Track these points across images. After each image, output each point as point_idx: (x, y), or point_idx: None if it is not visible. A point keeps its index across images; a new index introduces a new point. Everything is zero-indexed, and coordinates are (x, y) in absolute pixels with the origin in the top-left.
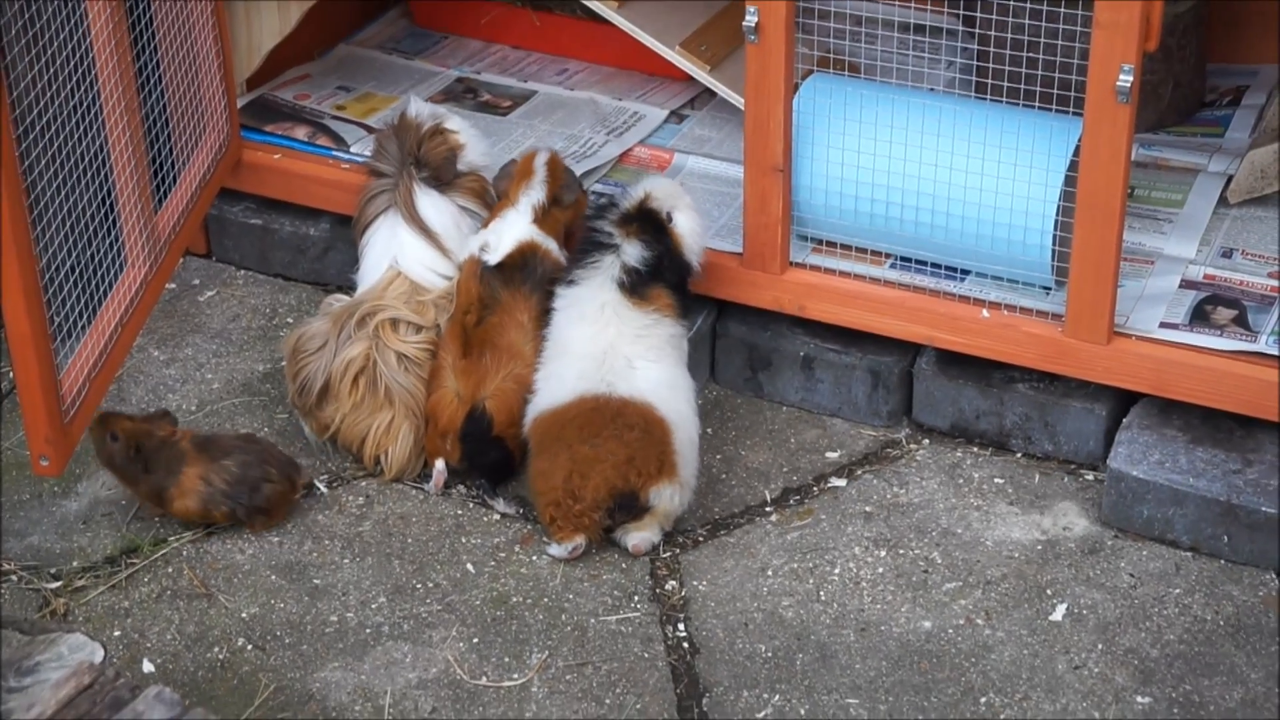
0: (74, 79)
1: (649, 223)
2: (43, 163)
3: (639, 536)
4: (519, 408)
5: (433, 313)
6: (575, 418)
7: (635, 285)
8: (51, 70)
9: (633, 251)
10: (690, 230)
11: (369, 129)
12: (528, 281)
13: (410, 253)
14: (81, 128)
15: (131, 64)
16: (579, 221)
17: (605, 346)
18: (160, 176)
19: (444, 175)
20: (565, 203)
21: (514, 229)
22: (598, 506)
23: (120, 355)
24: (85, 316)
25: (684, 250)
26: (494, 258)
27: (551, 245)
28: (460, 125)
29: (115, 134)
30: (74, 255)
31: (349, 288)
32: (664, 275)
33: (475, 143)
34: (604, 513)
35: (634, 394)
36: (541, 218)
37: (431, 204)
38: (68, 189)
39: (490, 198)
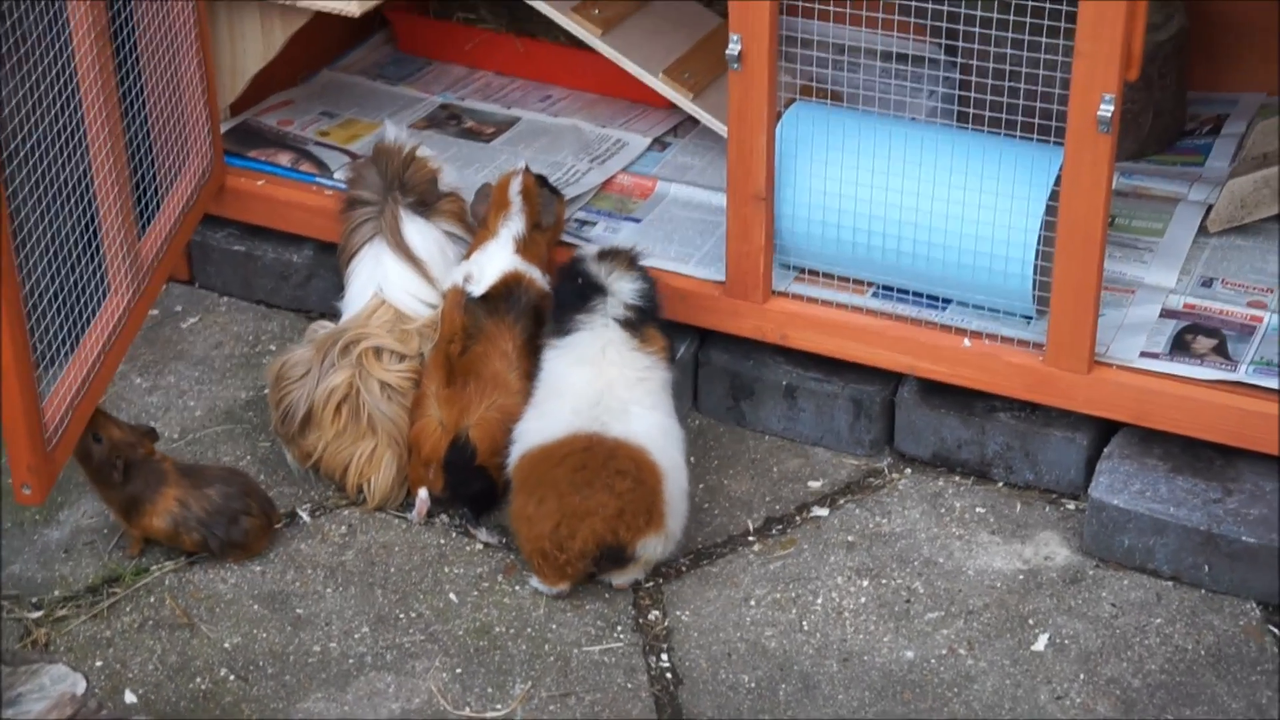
0: (57, 104)
1: (629, 258)
2: (26, 188)
3: (623, 579)
4: (502, 437)
5: (416, 341)
6: (567, 458)
7: (637, 323)
8: (35, 95)
9: (628, 287)
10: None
11: (352, 155)
12: (512, 311)
13: (395, 281)
14: (65, 153)
15: (116, 89)
16: (562, 231)
17: (603, 387)
18: (144, 202)
19: (429, 198)
20: (546, 225)
21: (496, 261)
22: (584, 557)
23: (103, 383)
24: (68, 344)
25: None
26: (478, 289)
27: (535, 273)
28: (427, 152)
29: (99, 160)
30: (57, 282)
31: (332, 314)
32: (655, 311)
33: (447, 166)
34: (589, 562)
35: (628, 436)
36: (524, 247)
37: (417, 230)
38: (51, 215)
39: (469, 219)
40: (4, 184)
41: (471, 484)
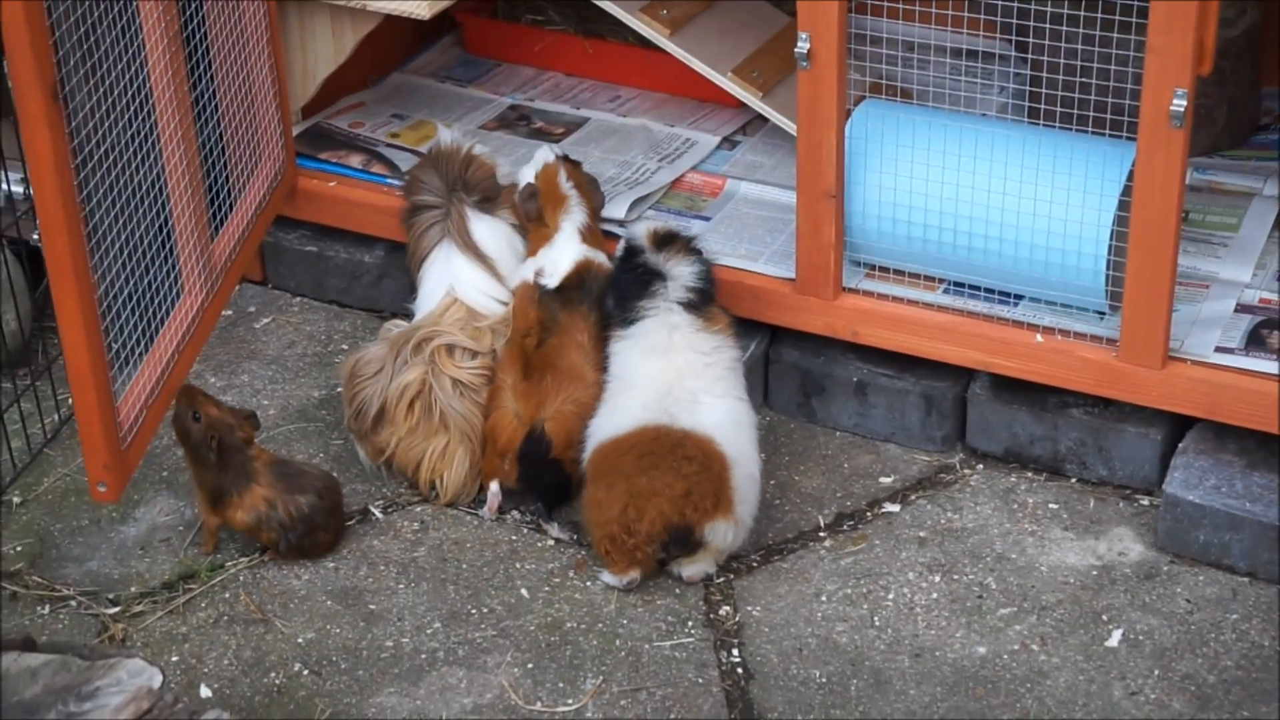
0: (131, 108)
1: (684, 242)
2: (100, 191)
3: (693, 569)
4: (578, 430)
5: (489, 338)
6: (635, 446)
7: (700, 304)
8: (110, 99)
9: (687, 270)
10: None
11: (423, 156)
12: (585, 300)
13: (467, 279)
14: (140, 156)
15: (188, 93)
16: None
17: (672, 378)
18: (217, 204)
19: (491, 194)
20: (599, 206)
21: (568, 252)
22: (652, 540)
23: (177, 381)
24: (143, 344)
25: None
26: (553, 282)
27: (601, 257)
28: (483, 149)
29: (172, 163)
30: (132, 283)
31: (403, 314)
32: (715, 289)
33: (504, 161)
34: (658, 546)
35: (696, 427)
36: (588, 235)
37: (486, 228)
38: (126, 217)
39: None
40: (81, 186)
41: (545, 476)
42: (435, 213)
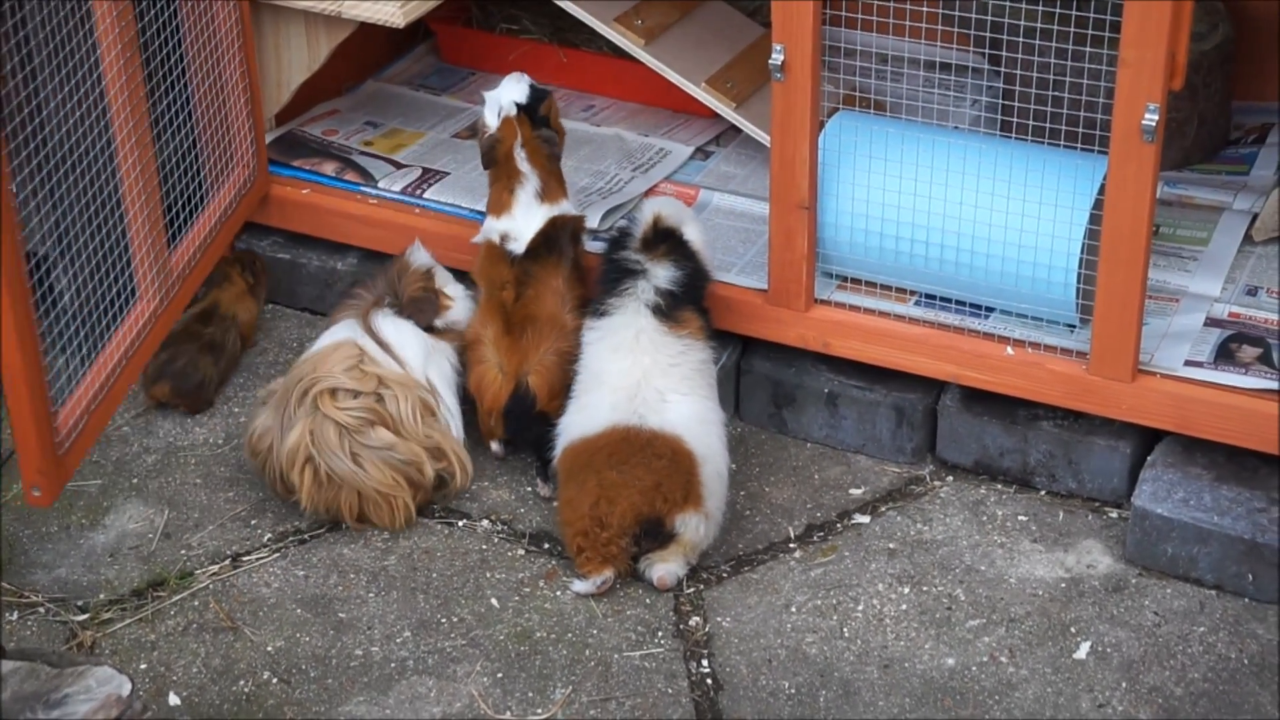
0: (91, 115)
1: (670, 241)
2: (52, 195)
3: (664, 568)
4: (561, 379)
5: (374, 382)
6: (604, 446)
7: (669, 308)
8: (67, 105)
9: (663, 274)
10: (702, 241)
11: (396, 164)
12: (554, 251)
13: (366, 340)
14: (94, 161)
15: (144, 99)
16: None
17: (639, 378)
18: (180, 210)
19: (416, 311)
20: (557, 155)
21: (530, 220)
22: (624, 533)
23: (124, 387)
24: (89, 350)
25: (704, 262)
26: (519, 247)
27: (564, 206)
28: (456, 292)
29: (126, 167)
30: (93, 287)
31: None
32: (692, 294)
33: (461, 305)
34: (630, 539)
35: (664, 426)
36: (546, 193)
37: (392, 325)
38: (77, 222)
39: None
40: (12, 191)
41: (532, 429)
42: (357, 304)
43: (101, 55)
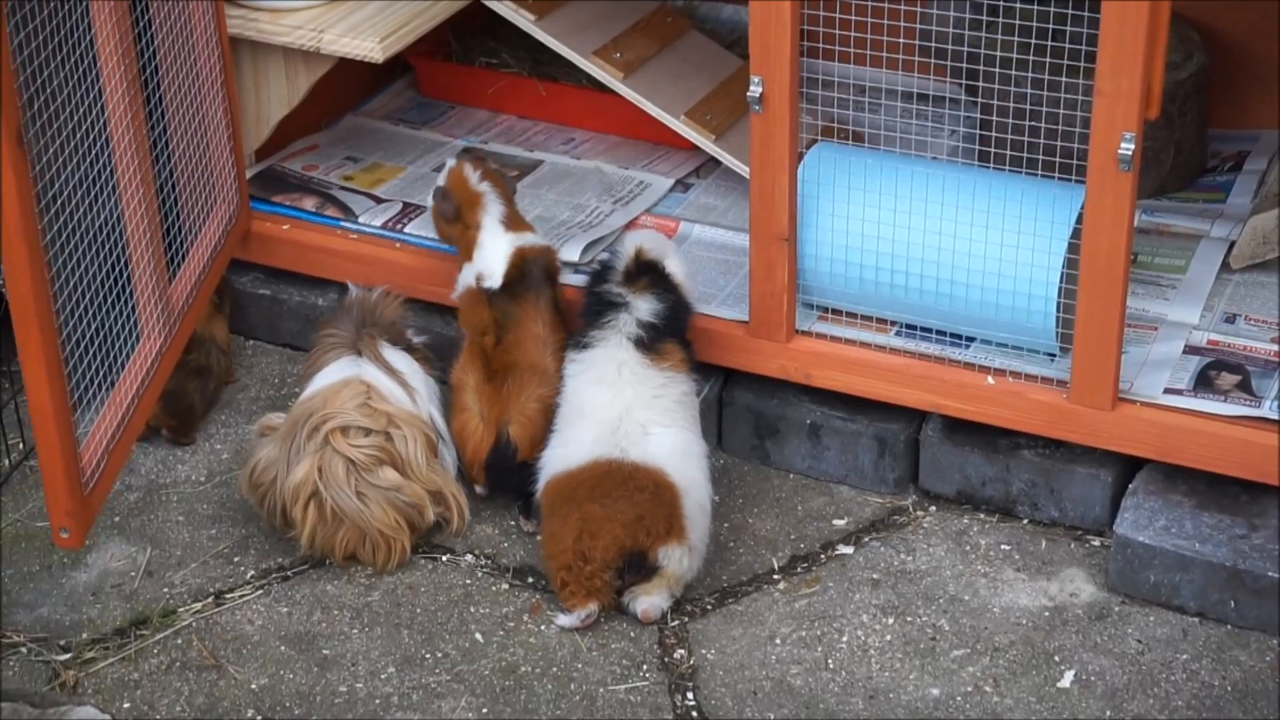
0: (92, 152)
1: (652, 274)
2: (61, 234)
3: (648, 601)
4: (543, 427)
5: (385, 420)
6: (587, 480)
7: (651, 341)
8: (70, 144)
9: (645, 306)
10: (685, 274)
11: (376, 199)
12: (531, 288)
13: (378, 379)
14: (98, 199)
15: (146, 137)
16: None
17: (621, 410)
18: (173, 248)
19: (400, 336)
20: (510, 192)
21: (498, 248)
22: (607, 566)
23: (138, 425)
24: (103, 388)
25: (686, 294)
26: (495, 282)
27: (531, 238)
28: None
29: (131, 206)
30: (93, 327)
31: None
32: (675, 327)
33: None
34: (614, 573)
35: (646, 459)
36: (512, 223)
37: (397, 355)
38: (86, 260)
39: (439, 226)
40: (42, 231)
41: (514, 479)
42: (342, 338)
43: (108, 94)
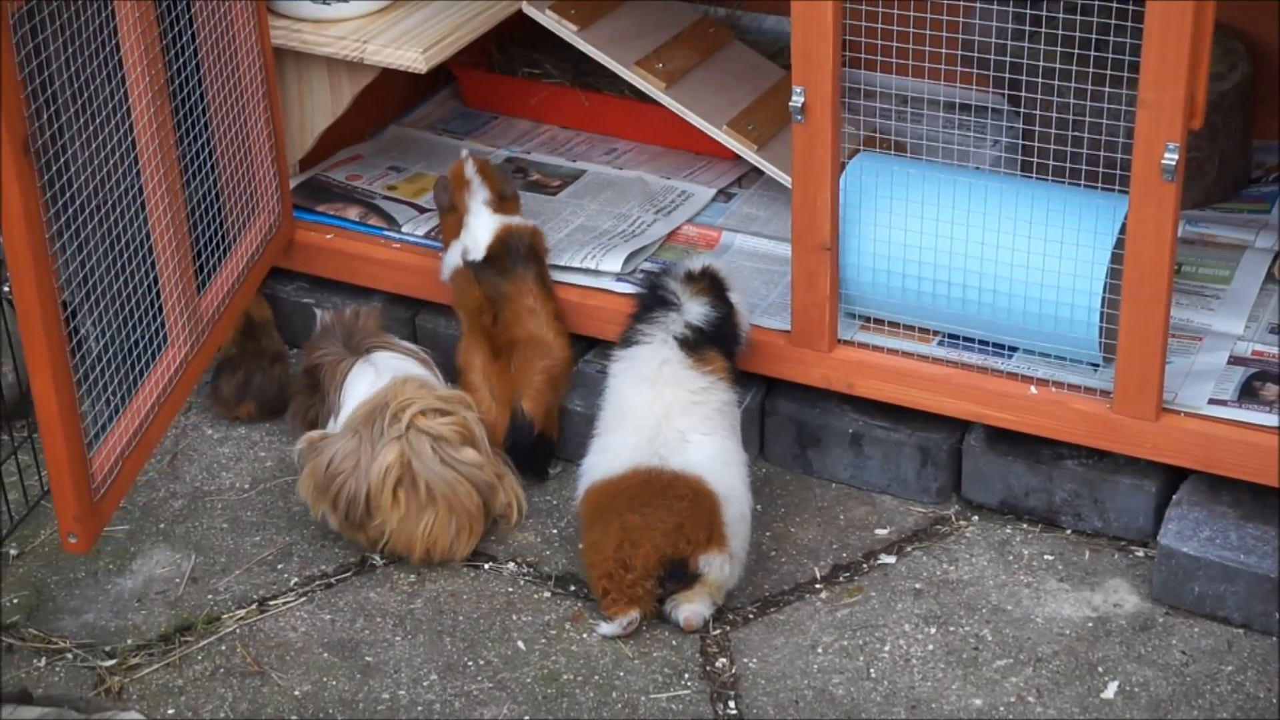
0: (125, 163)
1: (713, 285)
2: (87, 243)
3: (690, 609)
4: (552, 397)
5: (460, 403)
6: (626, 489)
7: (696, 344)
8: (95, 151)
9: (697, 310)
10: (745, 307)
11: (420, 209)
12: (517, 263)
13: (410, 369)
14: (126, 209)
15: (174, 147)
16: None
17: (660, 415)
18: (207, 257)
19: (385, 341)
20: (509, 195)
21: (482, 225)
22: (649, 575)
23: (158, 433)
24: (123, 396)
25: (740, 324)
26: (479, 254)
27: (517, 220)
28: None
29: (157, 215)
30: (117, 335)
31: None
32: (721, 340)
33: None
34: (655, 581)
35: (685, 467)
36: (498, 207)
37: (399, 355)
38: (110, 269)
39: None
40: (70, 238)
41: (534, 453)
42: (340, 352)
43: (133, 103)
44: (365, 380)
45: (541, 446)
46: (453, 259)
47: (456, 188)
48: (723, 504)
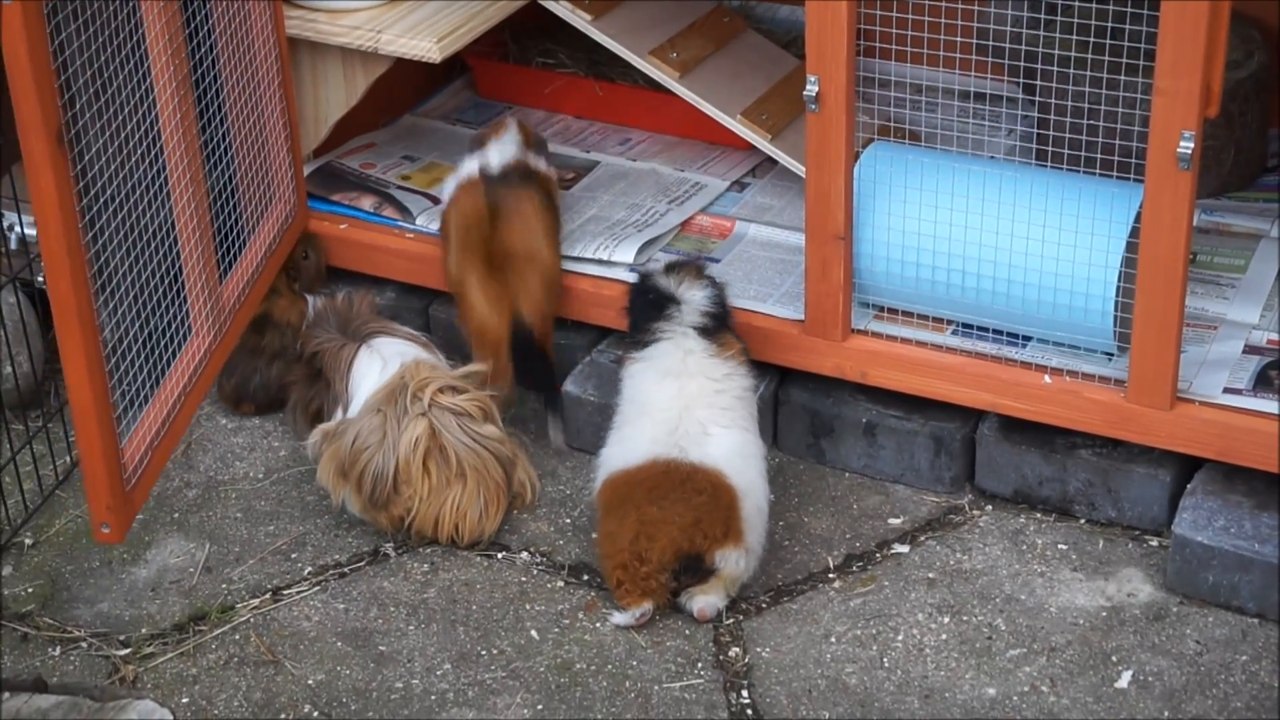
0: (142, 151)
1: (695, 270)
2: (112, 234)
3: (704, 600)
4: (548, 305)
5: (476, 380)
6: (644, 480)
7: (713, 329)
8: (121, 142)
9: (699, 295)
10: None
11: (434, 199)
12: (525, 182)
13: (415, 353)
14: (150, 199)
15: (197, 137)
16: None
17: (683, 407)
18: (226, 246)
19: (381, 326)
20: (540, 146)
21: (508, 149)
22: (664, 569)
23: (184, 422)
24: (149, 385)
25: (725, 290)
26: (494, 170)
27: (543, 164)
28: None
29: (181, 204)
30: (141, 325)
31: None
32: (725, 316)
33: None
34: (670, 575)
35: (705, 460)
36: (528, 145)
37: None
38: (136, 259)
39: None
40: (98, 230)
41: (537, 365)
42: (338, 338)
43: (159, 94)
44: (374, 369)
45: (542, 358)
46: (466, 170)
47: (493, 130)
48: (741, 499)
